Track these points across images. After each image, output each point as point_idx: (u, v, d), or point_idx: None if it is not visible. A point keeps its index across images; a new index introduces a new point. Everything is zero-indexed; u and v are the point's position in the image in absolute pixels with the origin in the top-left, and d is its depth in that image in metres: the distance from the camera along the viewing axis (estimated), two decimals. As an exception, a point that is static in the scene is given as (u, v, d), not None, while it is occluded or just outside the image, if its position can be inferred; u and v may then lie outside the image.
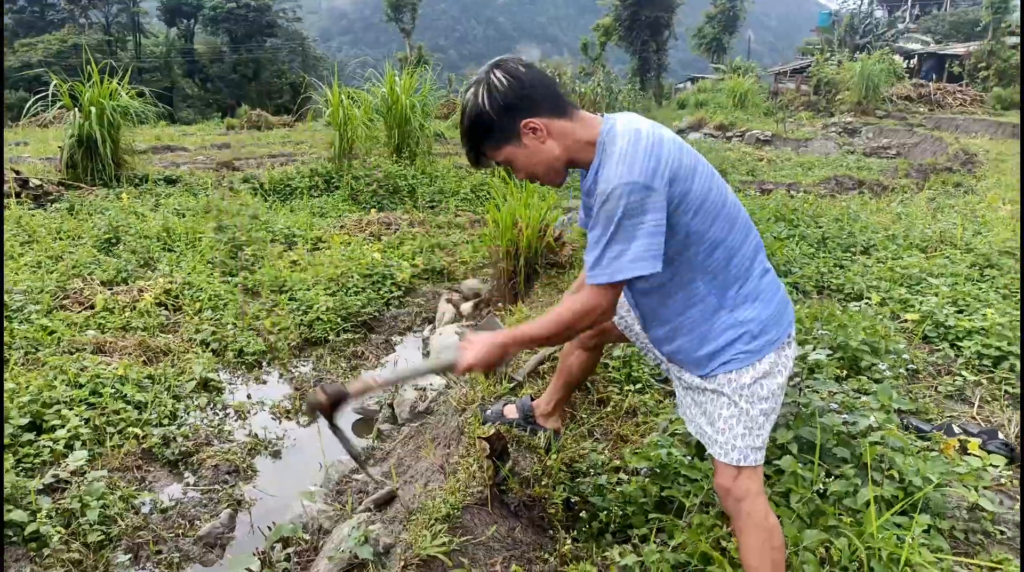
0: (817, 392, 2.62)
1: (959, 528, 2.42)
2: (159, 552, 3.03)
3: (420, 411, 3.41)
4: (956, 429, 3.14)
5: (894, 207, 8.27)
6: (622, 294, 1.88)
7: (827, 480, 2.38)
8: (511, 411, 2.73)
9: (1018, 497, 2.68)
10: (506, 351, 1.82)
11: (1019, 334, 3.86)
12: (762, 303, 1.84)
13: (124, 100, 9.95)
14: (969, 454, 2.99)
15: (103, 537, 3.02)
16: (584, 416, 3.16)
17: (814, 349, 2.65)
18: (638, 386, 3.33)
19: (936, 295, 4.73)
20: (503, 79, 1.73)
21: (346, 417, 4.27)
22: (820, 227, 6.48)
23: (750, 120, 23.48)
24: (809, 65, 32.07)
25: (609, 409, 3.23)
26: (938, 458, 2.46)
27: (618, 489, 2.54)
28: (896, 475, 2.24)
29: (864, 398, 2.69)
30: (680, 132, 22.45)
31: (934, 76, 31.46)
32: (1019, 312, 4.19)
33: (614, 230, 1.65)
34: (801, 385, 2.62)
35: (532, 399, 2.76)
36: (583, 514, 2.37)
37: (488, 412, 2.82)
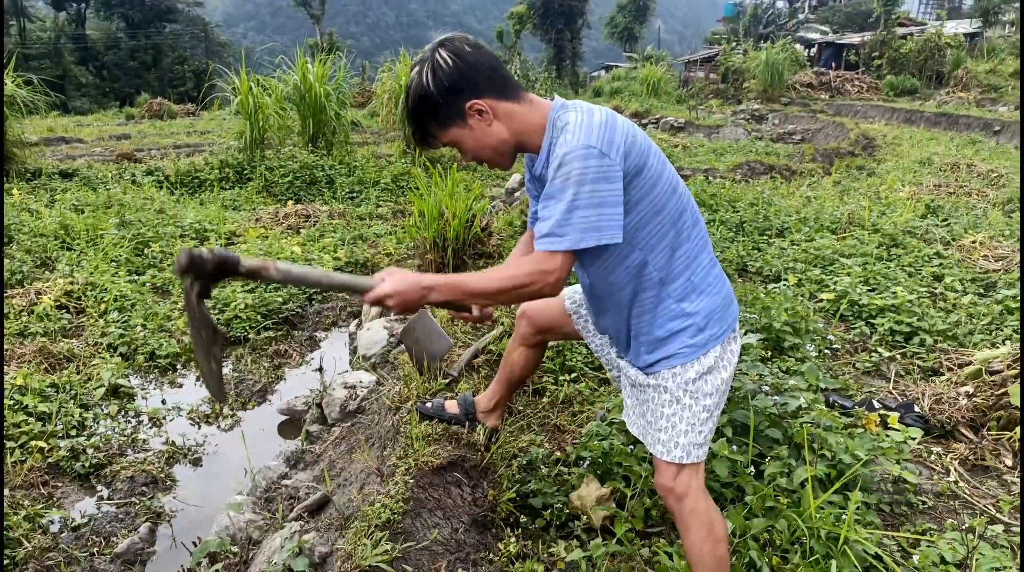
0: (747, 374, 2.67)
1: (885, 501, 2.51)
2: (72, 574, 2.81)
3: (351, 410, 3.29)
4: (876, 404, 3.28)
5: (804, 191, 8.61)
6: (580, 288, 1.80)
7: (761, 461, 2.43)
8: (452, 407, 2.65)
9: (935, 468, 2.81)
10: (430, 294, 1.66)
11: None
12: (708, 296, 1.80)
13: (9, 88, 9.24)
14: (889, 428, 3.13)
15: (8, 563, 2.78)
16: (521, 408, 3.12)
17: (744, 333, 2.69)
18: (573, 375, 3.32)
19: (849, 275, 4.93)
20: (448, 59, 1.66)
21: (271, 417, 4.10)
22: (737, 212, 6.66)
23: (664, 107, 24.02)
24: (717, 54, 33.07)
25: (546, 400, 3.21)
26: (864, 435, 2.55)
27: (559, 480, 2.51)
28: (828, 454, 2.30)
29: (792, 381, 2.76)
30: (597, 119, 22.73)
31: (833, 64, 33.01)
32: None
33: (574, 194, 1.57)
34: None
35: (474, 395, 2.69)
36: (527, 511, 2.33)
37: (428, 405, 2.72)
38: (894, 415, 3.04)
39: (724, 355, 1.84)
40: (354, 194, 9.71)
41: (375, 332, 4.09)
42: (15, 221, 6.93)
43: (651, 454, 1.91)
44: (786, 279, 5.00)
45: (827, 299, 4.56)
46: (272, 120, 10.40)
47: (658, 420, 1.84)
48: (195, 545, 2.74)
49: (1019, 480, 2.64)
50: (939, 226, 6.49)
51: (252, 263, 1.60)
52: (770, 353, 3.52)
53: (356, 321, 5.27)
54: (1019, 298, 4.26)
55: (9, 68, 9.42)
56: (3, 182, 5.72)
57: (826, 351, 3.73)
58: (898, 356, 3.94)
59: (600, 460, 2.46)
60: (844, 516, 2.06)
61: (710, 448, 2.28)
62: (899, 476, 2.53)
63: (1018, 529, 2.38)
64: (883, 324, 4.19)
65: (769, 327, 3.63)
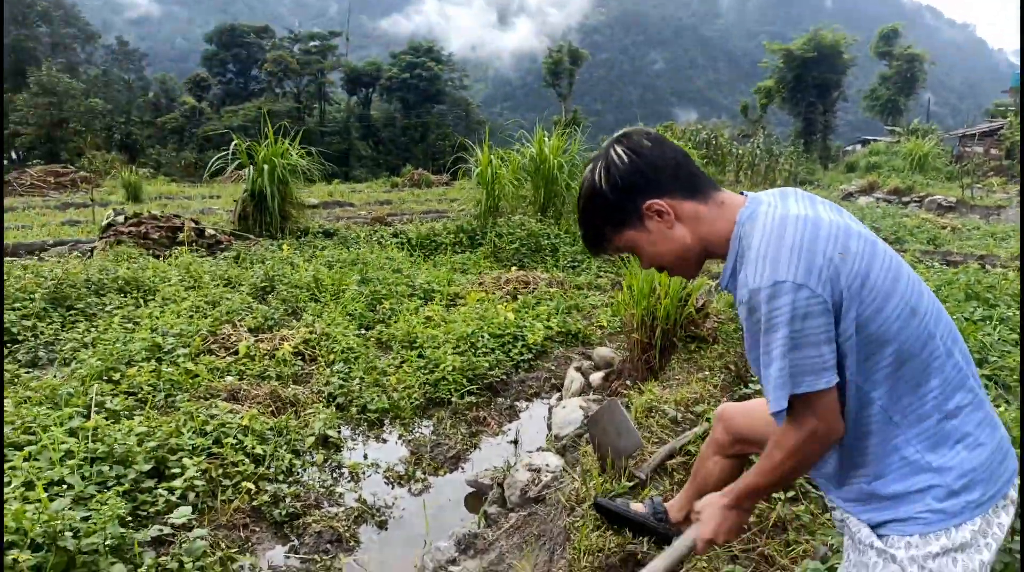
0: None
1: None
2: (247, 627, 2.84)
3: (531, 497, 3.05)
4: None
5: (1119, 287, 6.95)
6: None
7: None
8: (639, 508, 2.35)
9: None
10: (741, 511, 1.60)
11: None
12: (968, 448, 1.39)
13: (293, 158, 10.67)
14: None
15: (196, 602, 2.90)
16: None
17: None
18: (791, 493, 2.78)
19: None
20: (624, 155, 1.50)
21: (459, 487, 4.00)
22: (1024, 308, 5.48)
23: (930, 185, 21.50)
24: (1001, 127, 29.16)
25: (753, 519, 2.71)
26: None
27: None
28: None
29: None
30: (849, 196, 20.97)
31: None
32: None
33: (784, 341, 1.33)
34: None
35: (665, 499, 2.37)
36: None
37: (611, 501, 2.42)
38: None
39: (988, 529, 1.40)
40: (576, 263, 9.71)
41: (570, 411, 3.85)
42: (278, 272, 7.83)
43: None
44: (1093, 399, 3.92)
45: None
46: (507, 189, 10.86)
47: None
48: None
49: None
50: None
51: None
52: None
53: (557, 395, 5.08)
54: None
55: (296, 141, 10.88)
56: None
57: None
58: None
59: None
60: None
61: None
62: None
63: None
64: None
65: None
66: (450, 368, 5.28)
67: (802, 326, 1.32)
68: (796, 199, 1.48)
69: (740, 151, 25.99)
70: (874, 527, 1.45)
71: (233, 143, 10.55)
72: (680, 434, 2.92)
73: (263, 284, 7.45)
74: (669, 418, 3.07)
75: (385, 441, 4.61)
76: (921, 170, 24.88)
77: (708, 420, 3.10)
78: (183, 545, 3.10)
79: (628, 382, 4.22)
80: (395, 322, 6.49)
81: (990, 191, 20.73)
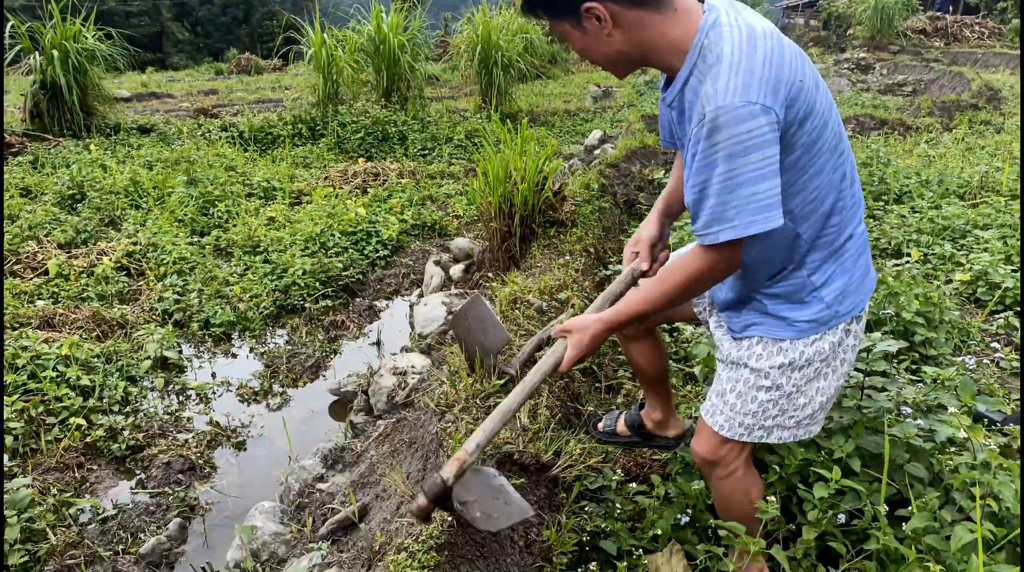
0: (881, 390, 2.11)
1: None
2: (93, 575, 2.57)
3: (398, 402, 2.91)
4: (1034, 420, 2.64)
5: (922, 149, 7.64)
6: None
7: (895, 505, 1.90)
8: (623, 429, 2.28)
9: None
10: (611, 332, 1.63)
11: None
12: (846, 266, 1.56)
13: (90, 43, 9.22)
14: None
15: (27, 559, 2.57)
16: (591, 408, 2.66)
17: (881, 339, 2.13)
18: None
19: (987, 251, 4.18)
20: None
21: (321, 397, 3.80)
22: (847, 173, 5.87)
23: (759, 57, 22.46)
24: (820, -1, 30.70)
25: (620, 399, 2.73)
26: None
27: (636, 511, 2.05)
28: (994, 505, 1.74)
29: (935, 394, 2.17)
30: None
31: (950, 8, 30.08)
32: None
33: (732, 170, 1.30)
34: (864, 383, 2.10)
35: (641, 407, 2.28)
36: (595, 554, 1.89)
37: (600, 428, 2.35)
38: (1060, 436, 2.42)
39: (845, 338, 1.61)
40: (426, 151, 9.32)
41: (432, 307, 3.69)
42: (88, 178, 6.88)
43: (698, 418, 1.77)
44: (908, 254, 4.29)
45: (961, 281, 3.85)
46: (346, 73, 10.07)
47: (727, 392, 1.67)
48: (232, 537, 2.44)
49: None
50: (1091, 191, 5.54)
51: (452, 469, 1.60)
52: (898, 352, 2.91)
53: (418, 291, 4.90)
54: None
55: (89, 23, 9.38)
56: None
57: (967, 358, 3.09)
58: (1058, 354, 3.24)
59: (684, 504, 1.97)
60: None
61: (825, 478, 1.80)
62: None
63: None
64: (1033, 313, 3.47)
65: (897, 317, 3.01)
66: (300, 272, 4.93)
67: (755, 158, 1.28)
68: (749, 11, 1.42)
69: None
70: (748, 333, 1.63)
71: (9, 24, 8.92)
72: (546, 324, 2.85)
73: (71, 192, 6.54)
74: (535, 308, 2.99)
75: (235, 357, 4.28)
76: (750, 43, 25.86)
77: (573, 306, 3.06)
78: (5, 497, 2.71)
79: (490, 273, 4.10)
80: (233, 226, 5.95)
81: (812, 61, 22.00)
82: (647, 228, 1.87)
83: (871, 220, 5.03)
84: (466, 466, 1.60)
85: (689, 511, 1.92)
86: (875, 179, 5.76)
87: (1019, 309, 3.39)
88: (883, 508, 1.79)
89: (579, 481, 2.11)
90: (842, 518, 1.85)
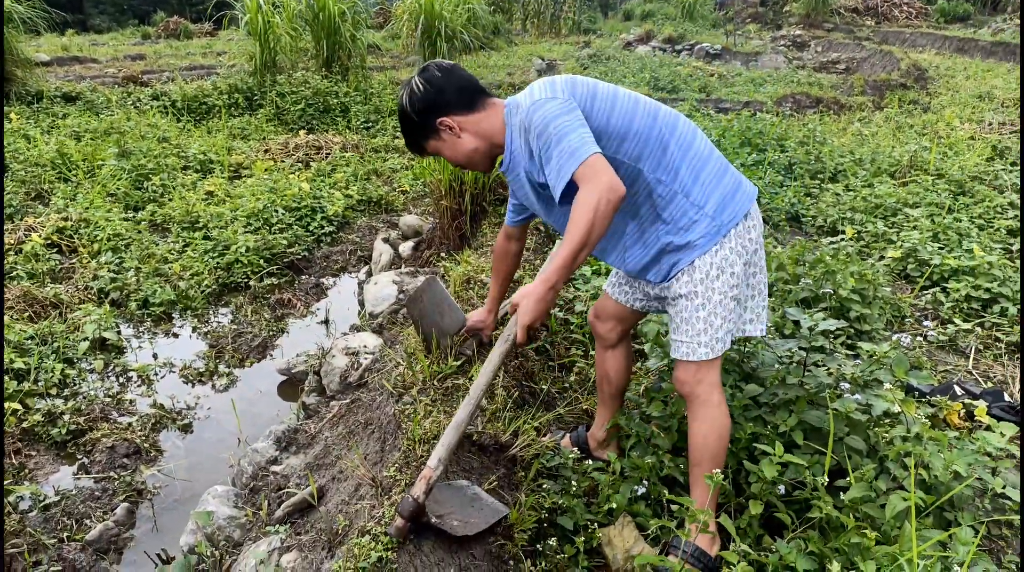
0: (821, 366, 2.22)
1: (981, 520, 2.08)
2: (37, 564, 2.50)
3: (352, 382, 2.90)
4: (958, 390, 2.82)
5: (856, 127, 7.91)
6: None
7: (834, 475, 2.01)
8: (567, 444, 2.46)
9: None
10: (555, 291, 1.80)
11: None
12: (712, 182, 1.87)
13: (6, 4, 8.67)
14: (976, 421, 2.68)
15: (-35, 549, 2.48)
16: (544, 387, 2.71)
17: (824, 317, 2.23)
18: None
19: (916, 228, 4.39)
20: (421, 85, 1.92)
21: (270, 377, 3.74)
22: (786, 152, 6.05)
23: (699, 33, 22.72)
24: (758, -25, 31.08)
25: (573, 378, 2.79)
26: (963, 445, 2.10)
27: (591, 485, 2.11)
28: (925, 474, 1.86)
29: (870, 369, 2.29)
30: (628, 45, 21.59)
31: (881, -12, 30.90)
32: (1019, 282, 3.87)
33: (554, 136, 1.72)
34: (806, 360, 2.20)
35: (587, 429, 2.46)
36: (554, 530, 1.94)
37: (545, 438, 2.43)
38: (981, 405, 2.59)
39: (743, 239, 1.87)
40: (370, 124, 9.15)
41: (382, 286, 3.66)
42: (10, 149, 6.52)
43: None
44: (843, 231, 4.47)
45: (893, 258, 4.04)
46: (284, 41, 9.75)
47: (680, 326, 1.91)
48: (182, 521, 2.41)
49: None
50: (1008, 171, 5.85)
51: (420, 488, 1.67)
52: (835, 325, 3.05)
53: (366, 268, 4.85)
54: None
55: (5, -19, 8.81)
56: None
57: (900, 335, 3.25)
58: (976, 328, 3.45)
59: (639, 477, 2.04)
60: (951, 558, 1.65)
61: (767, 454, 1.90)
62: (996, 490, 2.09)
63: None
64: (957, 289, 3.68)
65: (834, 294, 3.15)
66: (243, 249, 4.81)
67: (561, 121, 1.72)
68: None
69: (527, 3, 25.57)
70: (672, 277, 1.90)
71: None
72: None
73: (-9, 164, 6.18)
74: (487, 288, 3.00)
75: (177, 337, 4.17)
76: (690, 18, 26.10)
77: (526, 283, 3.09)
78: (-64, 488, 2.61)
79: (441, 253, 4.09)
80: (170, 201, 5.75)
81: (748, 38, 22.38)
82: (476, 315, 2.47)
83: (808, 198, 5.20)
84: (432, 482, 1.67)
85: (644, 483, 1.99)
86: (811, 158, 5.95)
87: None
88: (824, 479, 1.89)
89: (537, 459, 2.15)
90: (782, 489, 1.95)
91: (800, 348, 2.29)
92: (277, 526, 2.13)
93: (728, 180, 1.90)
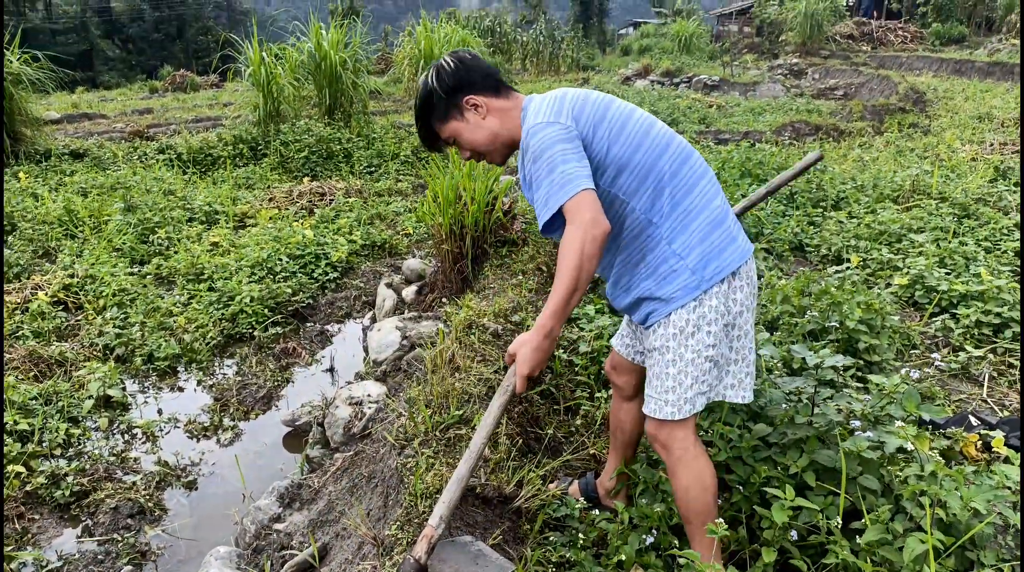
0: (836, 404, 2.17)
1: (1003, 559, 2.01)
2: (38, 634, 2.45)
3: (355, 434, 2.86)
4: (973, 421, 2.75)
5: (856, 153, 7.92)
6: None
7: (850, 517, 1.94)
8: (575, 492, 2.39)
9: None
10: (551, 336, 1.74)
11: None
12: (703, 231, 1.80)
13: (15, 66, 8.88)
14: (993, 453, 2.61)
15: (-35, 620, 2.44)
16: (550, 432, 2.66)
17: (830, 353, 2.19)
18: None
19: (922, 254, 4.35)
20: (451, 62, 1.90)
21: (275, 429, 3.71)
22: (787, 180, 6.04)
23: (696, 65, 23.01)
24: (751, 6, 31.61)
25: (579, 421, 2.75)
26: (981, 480, 2.03)
27: (599, 536, 2.05)
28: (943, 515, 1.80)
29: (879, 403, 2.24)
30: (627, 80, 21.87)
31: (874, 13, 31.33)
32: (1019, 287, 3.82)
33: (547, 159, 1.70)
34: (815, 398, 2.16)
35: (596, 476, 2.43)
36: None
37: (551, 485, 2.41)
38: (998, 436, 2.52)
39: (730, 294, 1.80)
40: (373, 168, 9.24)
41: (386, 333, 3.65)
42: (18, 207, 6.61)
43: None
44: (848, 260, 4.43)
45: (900, 285, 4.00)
46: (287, 91, 9.92)
47: (651, 380, 1.85)
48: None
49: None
50: (1012, 191, 5.82)
51: (422, 548, 1.60)
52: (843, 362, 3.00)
53: (370, 314, 4.84)
54: None
55: (13, 46, 9.04)
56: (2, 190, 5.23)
57: (912, 372, 3.19)
58: (989, 354, 3.39)
59: (648, 527, 1.98)
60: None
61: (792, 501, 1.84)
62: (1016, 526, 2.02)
63: None
64: (967, 314, 3.62)
65: (841, 325, 3.10)
66: (247, 299, 4.82)
67: (557, 149, 1.68)
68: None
69: (524, 39, 26.00)
70: (647, 323, 1.85)
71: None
72: (503, 347, 2.85)
73: None
74: (490, 332, 2.98)
75: (182, 391, 4.15)
76: (687, 51, 26.48)
77: (529, 327, 3.07)
78: (-62, 558, 2.57)
79: (443, 298, 4.08)
80: (175, 253, 5.79)
81: (746, 68, 22.63)
82: None
83: (811, 227, 5.18)
84: (434, 541, 1.61)
85: (654, 532, 1.94)
86: (813, 186, 5.94)
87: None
88: (838, 522, 1.83)
89: (543, 510, 2.10)
90: (795, 535, 1.89)
91: (810, 386, 2.24)
92: (279, 589, 2.08)
93: (718, 235, 1.81)
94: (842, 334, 3.11)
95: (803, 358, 2.43)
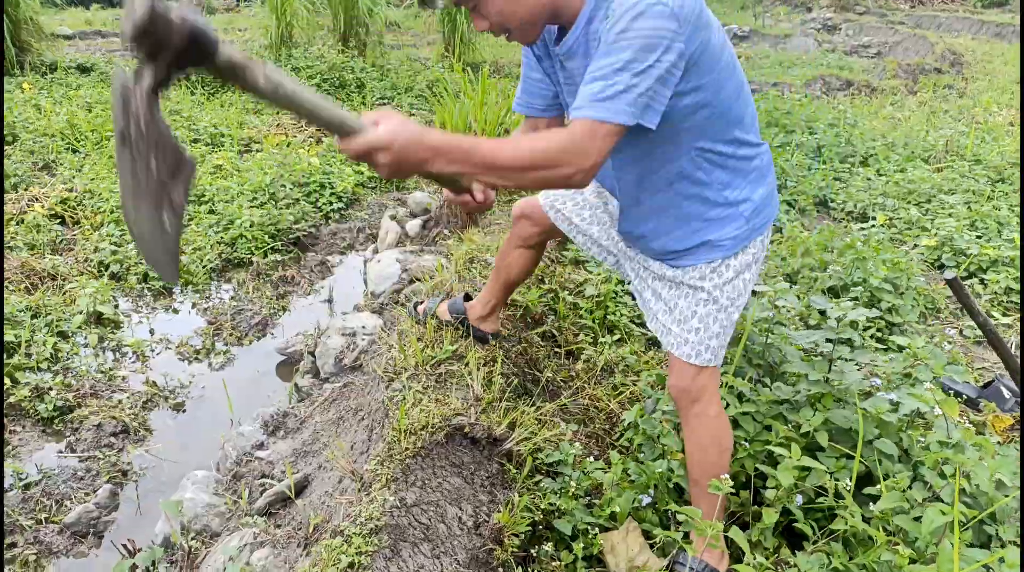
0: (848, 360, 2.02)
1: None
2: (12, 545, 2.39)
3: (346, 365, 2.75)
4: (1004, 392, 2.60)
5: (888, 111, 7.59)
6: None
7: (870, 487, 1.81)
8: (444, 311, 2.45)
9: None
10: (435, 159, 1.24)
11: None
12: (756, 182, 1.64)
13: (22, -29, 8.56)
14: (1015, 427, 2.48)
15: (-62, 529, 2.37)
16: (550, 375, 2.54)
17: (852, 306, 2.03)
18: (616, 337, 2.70)
19: (952, 216, 4.14)
20: None
21: (268, 357, 3.61)
22: (815, 134, 5.79)
23: (727, 14, 22.21)
24: (789, -44, 30.33)
25: (580, 365, 2.61)
26: (1007, 450, 1.90)
27: (593, 486, 1.94)
28: (966, 486, 1.67)
29: (901, 365, 2.09)
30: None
31: (917, -29, 30.02)
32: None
33: (631, 58, 1.28)
34: (832, 354, 2.01)
35: (467, 299, 2.46)
36: (550, 533, 1.77)
37: (420, 308, 2.52)
38: (1025, 407, 2.39)
39: (759, 250, 1.71)
40: (386, 100, 8.96)
41: (386, 265, 3.51)
42: (20, 118, 6.43)
43: (668, 353, 1.76)
44: (874, 218, 4.23)
45: (927, 246, 3.80)
46: (301, 15, 9.57)
47: (687, 319, 1.69)
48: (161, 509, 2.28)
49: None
50: (1051, 158, 5.55)
51: (235, 56, 1.10)
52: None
53: (372, 246, 4.69)
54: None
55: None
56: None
57: (931, 327, 3.03)
58: (1016, 323, 3.22)
59: (646, 484, 1.86)
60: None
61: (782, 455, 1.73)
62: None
63: None
64: (996, 280, 3.45)
65: (864, 282, 2.93)
66: (248, 224, 4.67)
67: (666, 59, 1.29)
68: None
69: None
70: (673, 261, 1.68)
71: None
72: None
73: (1, 133, 6.10)
74: (491, 268, 2.83)
75: (176, 312, 4.04)
76: (719, -1, 25.55)
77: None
78: (-85, 464, 2.50)
79: (447, 231, 3.91)
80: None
81: (778, 20, 21.85)
82: None
83: (837, 182, 4.96)
84: (246, 76, 1.15)
85: (651, 492, 1.82)
86: (841, 140, 5.68)
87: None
88: (848, 485, 1.70)
89: (533, 455, 1.98)
90: (800, 499, 1.76)
91: (827, 340, 2.09)
92: (256, 517, 1.99)
93: (769, 183, 1.69)
94: (864, 292, 2.95)
95: (822, 311, 2.28)
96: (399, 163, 1.23)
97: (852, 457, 1.81)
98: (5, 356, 3.25)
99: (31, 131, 6.21)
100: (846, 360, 2.04)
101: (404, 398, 1.94)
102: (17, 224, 4.59)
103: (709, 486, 1.59)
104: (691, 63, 1.36)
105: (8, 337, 3.34)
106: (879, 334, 2.86)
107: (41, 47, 9.09)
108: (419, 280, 3.31)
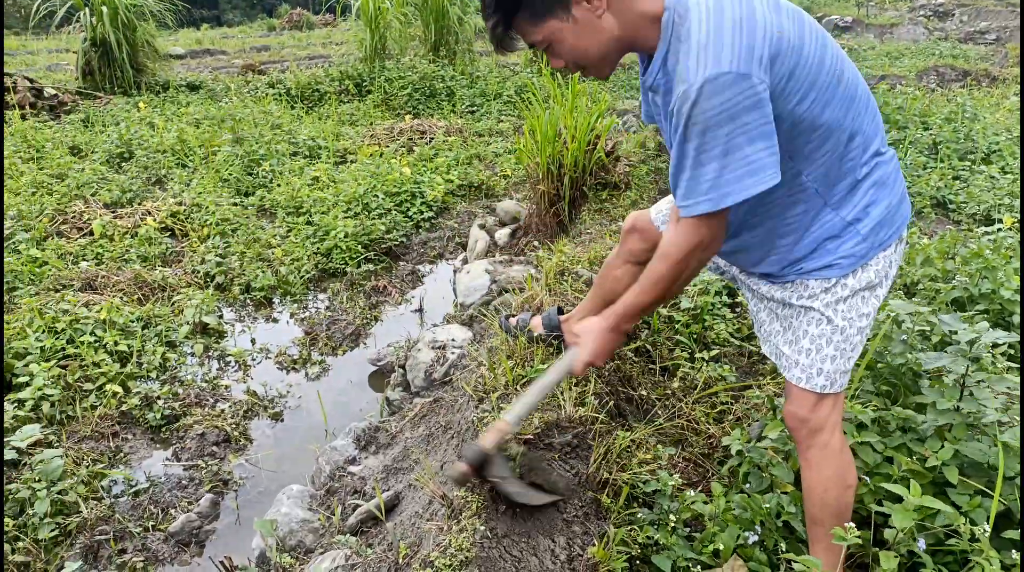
0: (989, 388, 1.81)
1: None
2: (122, 552, 2.49)
3: (436, 379, 2.73)
4: None
5: (1012, 102, 7.00)
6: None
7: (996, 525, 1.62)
8: (537, 324, 2.42)
9: None
10: (620, 333, 1.60)
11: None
12: (877, 196, 1.50)
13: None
14: None
15: (57, 532, 2.50)
16: (644, 393, 2.43)
17: (987, 328, 1.82)
18: (713, 353, 2.56)
19: (1093, 219, 3.74)
20: None
21: (361, 367, 3.66)
22: (930, 130, 5.39)
23: (828, 4, 21.23)
24: (896, -60, 28.72)
25: (676, 384, 2.49)
26: None
27: (692, 517, 1.82)
28: None
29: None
30: (748, 20, 20.49)
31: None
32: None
33: (708, 143, 1.27)
34: (965, 380, 1.81)
35: (560, 311, 2.42)
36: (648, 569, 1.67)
37: (512, 321, 2.51)
38: None
39: (886, 268, 1.55)
40: (475, 108, 9.03)
41: (475, 276, 3.48)
42: (136, 136, 6.85)
43: (784, 378, 1.65)
44: (1000, 220, 3.88)
45: (1065, 252, 3.44)
46: (394, 27, 9.79)
47: (799, 340, 1.58)
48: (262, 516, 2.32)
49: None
50: None
51: (492, 438, 1.59)
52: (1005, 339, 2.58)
53: (462, 255, 4.70)
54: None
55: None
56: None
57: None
58: None
59: (751, 521, 1.73)
60: None
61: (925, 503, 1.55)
62: None
63: None
64: None
65: (993, 293, 2.67)
66: (342, 234, 4.77)
67: (747, 120, 1.25)
68: None
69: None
70: (783, 279, 1.58)
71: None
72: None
73: (118, 150, 6.52)
74: (583, 281, 2.75)
75: (275, 322, 4.17)
76: (818, -10, 24.45)
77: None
78: (37, 467, 2.65)
79: (536, 241, 3.86)
80: (277, 186, 5.82)
81: (883, 8, 20.70)
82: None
83: (956, 182, 4.59)
84: (506, 436, 1.57)
85: (758, 528, 1.69)
86: (960, 135, 5.26)
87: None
88: (985, 529, 1.52)
89: (629, 484, 1.89)
90: (922, 544, 1.58)
91: (959, 365, 1.89)
92: (347, 536, 1.98)
93: (898, 190, 1.55)
94: (993, 304, 2.68)
95: (951, 331, 2.07)
96: (608, 354, 1.63)
97: (989, 495, 1.63)
98: (120, 365, 3.42)
99: (145, 148, 6.60)
100: (980, 383, 1.84)
101: (494, 417, 1.89)
102: (131, 237, 4.86)
103: (833, 536, 1.45)
104: (774, 95, 1.29)
105: (122, 347, 3.51)
106: (1010, 352, 2.59)
107: (155, 68, 9.68)
108: (508, 291, 3.27)
